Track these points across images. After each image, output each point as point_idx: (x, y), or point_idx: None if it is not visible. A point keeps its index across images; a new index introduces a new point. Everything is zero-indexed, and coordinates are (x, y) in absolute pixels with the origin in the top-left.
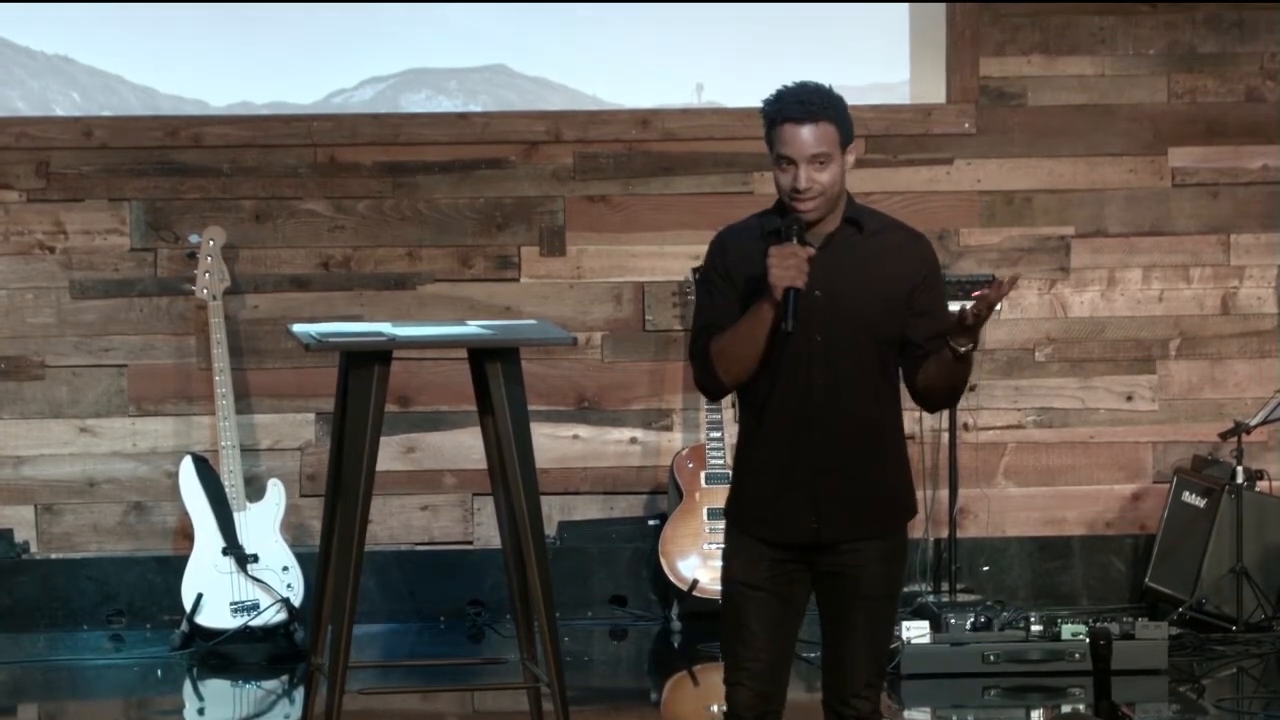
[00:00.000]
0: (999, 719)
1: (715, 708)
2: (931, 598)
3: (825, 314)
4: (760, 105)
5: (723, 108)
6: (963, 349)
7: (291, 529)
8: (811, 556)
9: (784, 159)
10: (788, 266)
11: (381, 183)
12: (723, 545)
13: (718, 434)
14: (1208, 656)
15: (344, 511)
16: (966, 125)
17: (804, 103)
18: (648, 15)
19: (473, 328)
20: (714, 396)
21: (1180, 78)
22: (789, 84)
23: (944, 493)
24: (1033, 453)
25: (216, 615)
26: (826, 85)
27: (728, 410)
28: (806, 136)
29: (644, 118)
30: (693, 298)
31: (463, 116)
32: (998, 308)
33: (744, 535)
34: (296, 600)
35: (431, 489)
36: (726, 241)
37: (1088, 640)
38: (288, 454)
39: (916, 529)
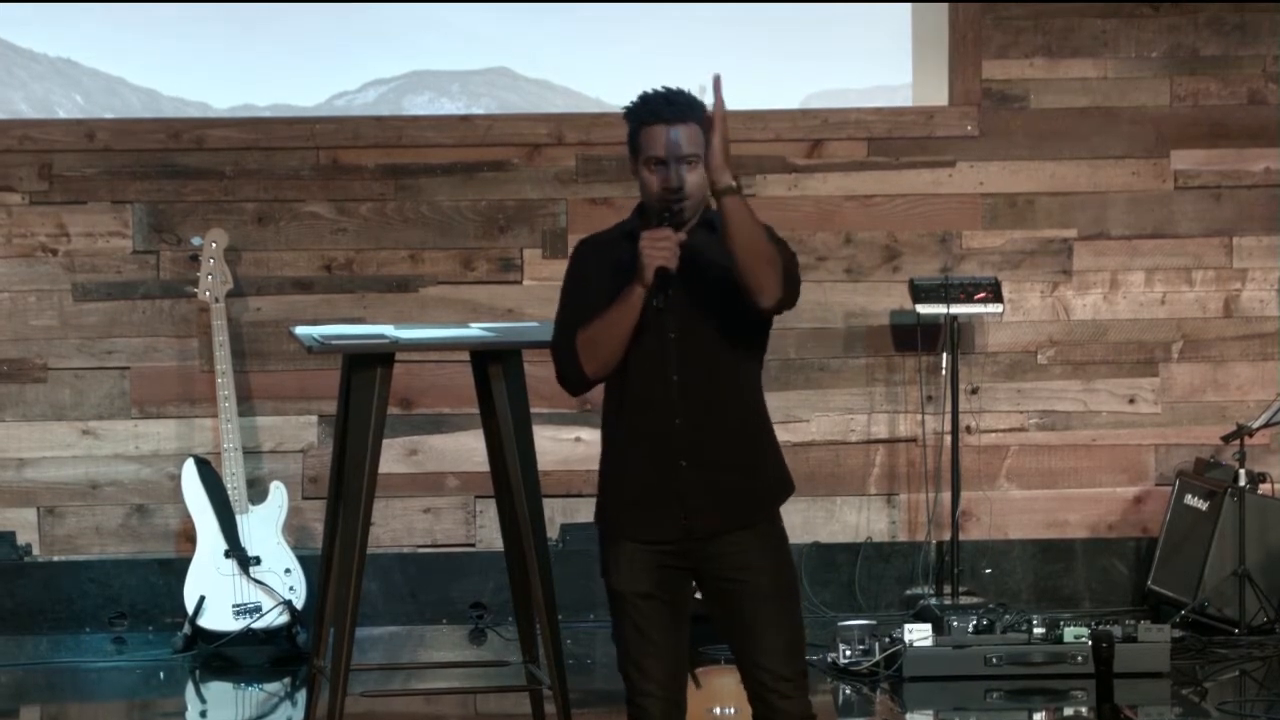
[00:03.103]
0: None
1: (718, 710)
2: (934, 600)
3: (680, 310)
4: (625, 108)
5: (727, 111)
6: (719, 188)
7: (294, 531)
8: (692, 561)
9: (654, 159)
10: (659, 247)
11: (384, 185)
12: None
13: None
14: (1210, 659)
15: (346, 514)
16: (969, 128)
17: (673, 103)
18: (650, 17)
19: (475, 330)
20: (575, 390)
21: (1183, 80)
22: (653, 89)
23: (946, 495)
24: (1035, 455)
25: (219, 618)
26: (690, 91)
27: None
28: (677, 136)
29: None
30: None
31: (465, 119)
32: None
33: (621, 542)
34: (299, 603)
35: (434, 491)
36: (586, 249)
37: (1090, 643)
38: (290, 456)
39: (919, 531)
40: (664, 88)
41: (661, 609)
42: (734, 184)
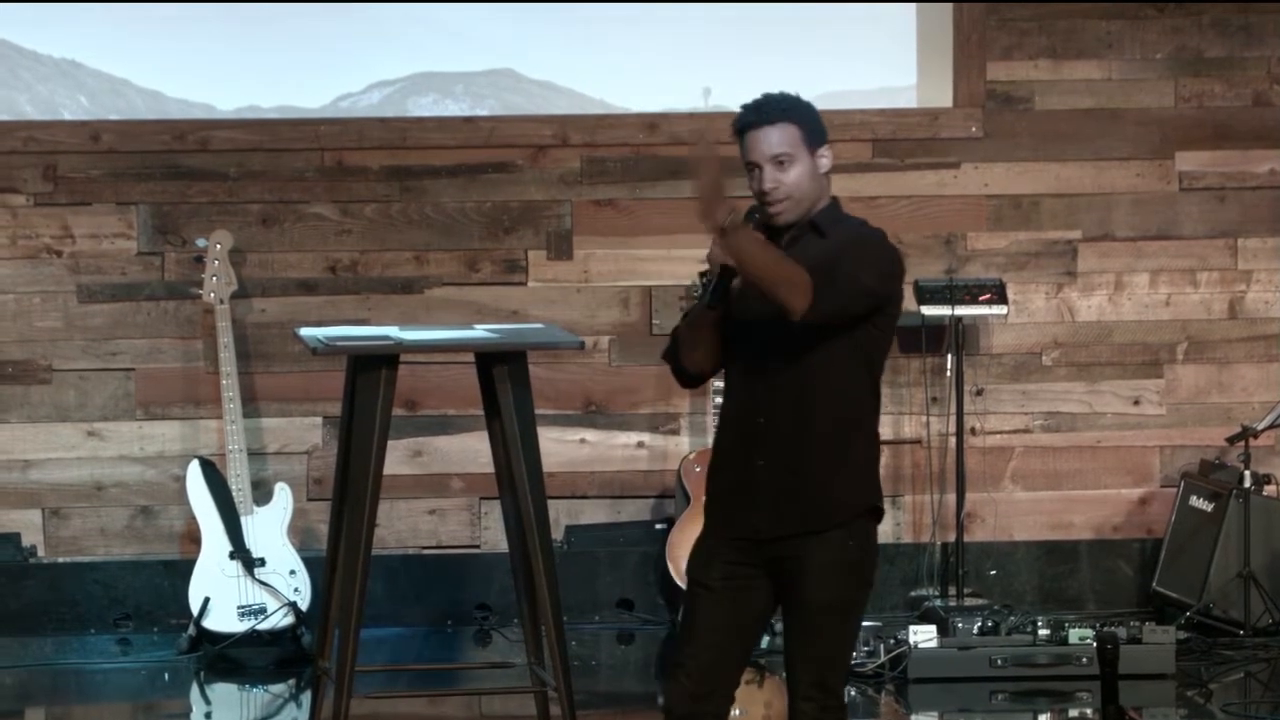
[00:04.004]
0: None
1: None
2: (939, 602)
3: (772, 312)
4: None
5: (730, 111)
6: (711, 229)
7: (299, 533)
8: (762, 560)
9: (750, 164)
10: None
11: (389, 186)
12: None
13: None
14: (1215, 661)
15: (351, 515)
16: (973, 129)
17: (761, 107)
18: (655, 19)
19: (480, 331)
20: (681, 380)
21: (1187, 82)
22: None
23: (951, 497)
24: (1040, 457)
25: (224, 619)
26: (794, 94)
27: None
28: (767, 138)
29: (651, 121)
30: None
31: (469, 120)
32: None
33: (706, 532)
34: (304, 604)
35: (439, 493)
36: None
37: (1095, 644)
38: (295, 458)
39: (923, 532)
40: (763, 95)
41: (717, 602)
42: (723, 223)
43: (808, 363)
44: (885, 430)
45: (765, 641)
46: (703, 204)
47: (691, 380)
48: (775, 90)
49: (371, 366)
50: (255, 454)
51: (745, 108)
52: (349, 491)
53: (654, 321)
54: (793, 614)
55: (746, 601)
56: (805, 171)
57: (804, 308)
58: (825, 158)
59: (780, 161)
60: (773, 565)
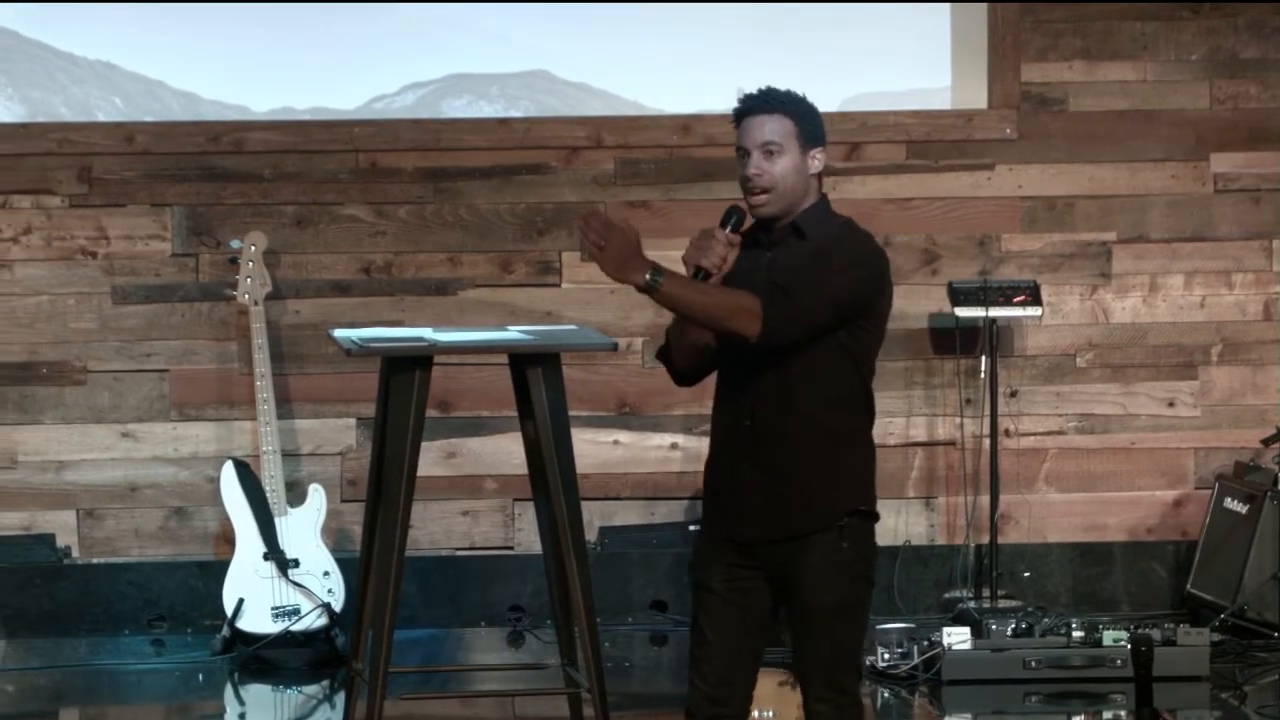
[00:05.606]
0: None
1: (757, 713)
2: (972, 604)
3: None
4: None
5: None
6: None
7: (332, 534)
8: (758, 563)
9: (740, 150)
10: (698, 246)
11: (423, 188)
12: None
13: None
14: (1249, 663)
15: (385, 517)
16: (1008, 131)
17: (761, 96)
18: (689, 20)
19: (513, 333)
20: (674, 379)
21: (1222, 83)
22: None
23: (985, 498)
24: (1074, 458)
25: (257, 620)
26: (800, 94)
27: None
28: (760, 125)
29: (685, 123)
30: None
31: (504, 122)
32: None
33: (704, 534)
34: (337, 605)
35: (472, 494)
36: None
37: (1129, 646)
38: (329, 459)
39: (957, 534)
40: (767, 87)
41: (723, 607)
42: (643, 280)
43: (792, 366)
44: (919, 432)
45: None
46: (613, 269)
47: (683, 379)
48: (801, 92)
49: (405, 368)
50: (289, 455)
51: (745, 96)
52: (383, 493)
53: None
54: (797, 620)
55: (750, 602)
56: (792, 166)
57: (756, 332)
58: (818, 159)
59: (769, 151)
60: (768, 568)
